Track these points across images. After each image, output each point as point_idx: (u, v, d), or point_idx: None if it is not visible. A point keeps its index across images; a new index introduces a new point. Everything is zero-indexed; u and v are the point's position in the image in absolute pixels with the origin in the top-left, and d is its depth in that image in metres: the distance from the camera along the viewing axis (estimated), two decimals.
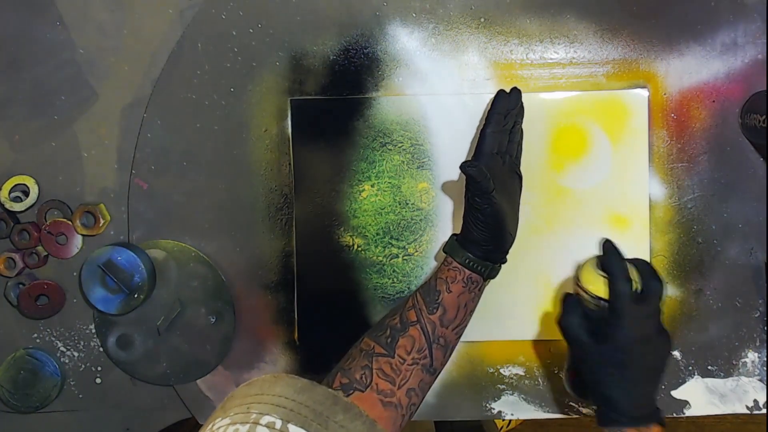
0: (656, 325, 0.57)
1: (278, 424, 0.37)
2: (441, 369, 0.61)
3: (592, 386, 0.59)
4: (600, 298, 0.58)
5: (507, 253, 0.64)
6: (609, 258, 0.57)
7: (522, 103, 0.67)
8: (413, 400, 0.58)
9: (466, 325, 0.62)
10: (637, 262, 0.59)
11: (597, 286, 0.58)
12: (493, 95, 0.65)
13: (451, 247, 0.62)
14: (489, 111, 0.64)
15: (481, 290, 0.63)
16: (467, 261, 0.61)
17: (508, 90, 0.66)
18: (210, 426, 0.40)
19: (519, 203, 0.66)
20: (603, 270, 0.58)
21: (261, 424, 0.37)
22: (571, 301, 0.60)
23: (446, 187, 0.72)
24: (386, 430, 0.51)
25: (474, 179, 0.58)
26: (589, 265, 0.59)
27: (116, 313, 0.70)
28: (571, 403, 0.73)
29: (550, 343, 0.72)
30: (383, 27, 0.71)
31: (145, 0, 0.71)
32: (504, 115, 0.64)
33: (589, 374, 0.59)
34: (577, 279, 0.60)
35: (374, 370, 0.57)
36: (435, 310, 0.60)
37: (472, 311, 0.63)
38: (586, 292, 0.59)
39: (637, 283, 0.57)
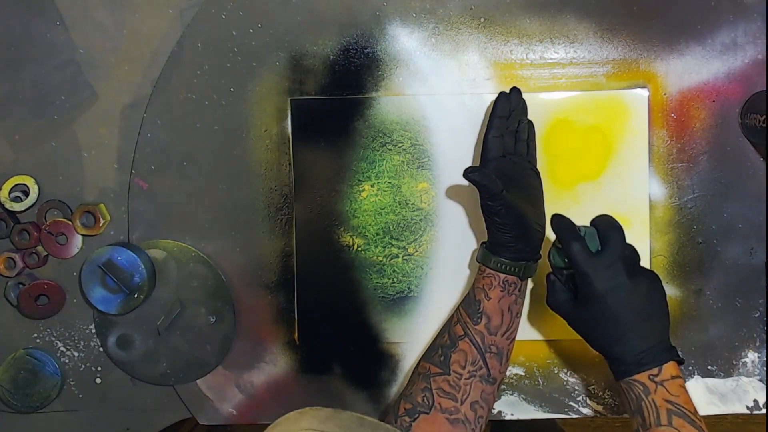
0: (626, 270, 0.56)
1: None
2: (501, 377, 0.61)
3: (596, 348, 0.59)
4: (564, 268, 0.59)
5: (539, 248, 0.62)
6: (556, 225, 0.58)
7: (524, 101, 0.66)
8: (479, 413, 0.58)
9: (516, 328, 0.62)
10: (596, 220, 0.59)
11: (558, 258, 0.60)
12: (493, 95, 0.65)
13: (482, 255, 0.62)
14: (490, 115, 0.64)
15: (522, 291, 0.62)
16: (499, 265, 0.60)
17: (507, 90, 0.66)
18: None
19: (542, 198, 0.65)
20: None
21: None
22: (550, 280, 0.61)
23: (446, 187, 0.72)
24: None
25: (478, 184, 0.58)
26: (552, 244, 0.61)
27: (116, 313, 0.70)
28: (571, 403, 0.73)
29: (550, 343, 0.72)
30: (383, 27, 0.70)
31: (145, 0, 0.71)
32: (506, 117, 0.64)
33: (589, 339, 0.59)
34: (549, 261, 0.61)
35: (434, 391, 0.57)
36: (479, 320, 0.59)
37: (519, 313, 0.62)
38: (553, 267, 0.60)
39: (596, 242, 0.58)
